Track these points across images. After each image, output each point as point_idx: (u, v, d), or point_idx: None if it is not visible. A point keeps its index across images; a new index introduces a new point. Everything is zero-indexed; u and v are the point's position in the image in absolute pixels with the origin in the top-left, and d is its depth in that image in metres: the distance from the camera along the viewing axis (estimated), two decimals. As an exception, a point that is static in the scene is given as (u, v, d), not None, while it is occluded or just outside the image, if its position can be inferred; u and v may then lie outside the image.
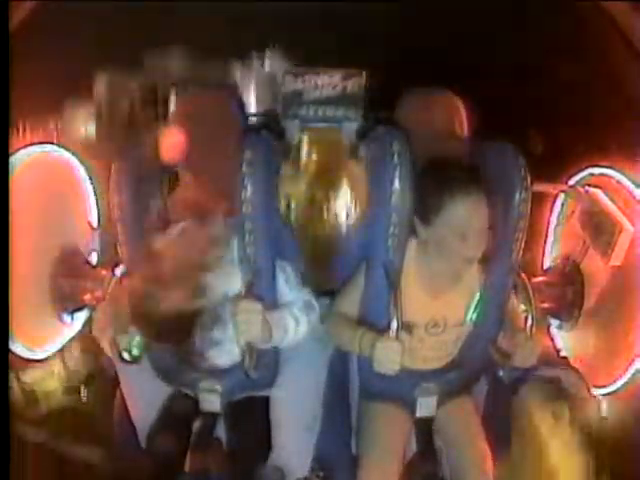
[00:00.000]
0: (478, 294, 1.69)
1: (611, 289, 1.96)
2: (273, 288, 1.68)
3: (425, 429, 1.78)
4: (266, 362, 1.73)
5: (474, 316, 1.72)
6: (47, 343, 2.03)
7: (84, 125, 2.35)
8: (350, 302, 1.73)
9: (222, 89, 2.13)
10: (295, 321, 1.63)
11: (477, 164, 1.65)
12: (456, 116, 2.07)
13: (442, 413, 1.78)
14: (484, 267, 1.68)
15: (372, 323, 1.65)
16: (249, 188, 1.59)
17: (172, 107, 2.33)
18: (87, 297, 2.05)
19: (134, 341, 1.74)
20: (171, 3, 2.37)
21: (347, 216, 2.26)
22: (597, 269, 2.00)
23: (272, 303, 1.65)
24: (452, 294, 1.68)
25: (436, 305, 1.68)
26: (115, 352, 1.69)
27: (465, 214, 1.53)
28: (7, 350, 1.74)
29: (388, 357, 1.51)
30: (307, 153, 2.28)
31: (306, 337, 1.73)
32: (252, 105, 2.62)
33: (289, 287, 1.69)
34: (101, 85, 2.44)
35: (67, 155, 2.07)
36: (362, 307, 1.71)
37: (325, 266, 2.02)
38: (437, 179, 1.58)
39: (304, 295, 1.69)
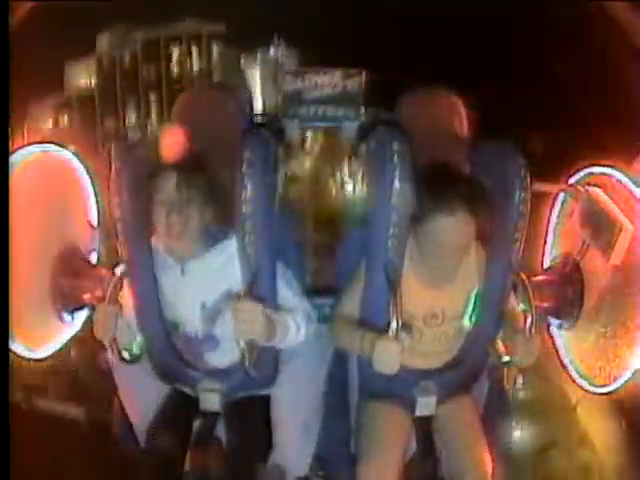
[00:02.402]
0: (476, 289, 1.70)
1: (611, 288, 1.96)
2: (273, 288, 1.68)
3: (425, 428, 1.78)
4: (266, 361, 1.74)
5: (473, 315, 1.72)
6: (47, 342, 2.03)
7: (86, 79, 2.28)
8: (351, 303, 1.73)
9: (224, 88, 2.12)
10: (296, 327, 1.66)
11: (476, 177, 1.65)
12: (456, 116, 2.07)
13: (441, 412, 1.79)
14: (483, 262, 1.70)
15: (372, 323, 1.65)
16: (249, 188, 1.59)
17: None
18: (87, 296, 2.04)
19: (134, 340, 1.75)
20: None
21: (347, 214, 2.26)
22: (597, 268, 1.99)
23: (272, 303, 1.65)
24: (450, 287, 1.69)
25: (434, 297, 1.69)
26: (115, 351, 1.70)
27: (446, 230, 1.55)
28: (7, 350, 1.74)
29: (387, 358, 1.52)
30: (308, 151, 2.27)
31: (307, 337, 1.74)
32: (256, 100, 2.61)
33: (291, 292, 1.71)
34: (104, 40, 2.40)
35: (67, 154, 2.07)
36: (362, 307, 1.72)
37: (326, 265, 2.01)
38: (430, 186, 1.58)
39: (304, 306, 1.71)
